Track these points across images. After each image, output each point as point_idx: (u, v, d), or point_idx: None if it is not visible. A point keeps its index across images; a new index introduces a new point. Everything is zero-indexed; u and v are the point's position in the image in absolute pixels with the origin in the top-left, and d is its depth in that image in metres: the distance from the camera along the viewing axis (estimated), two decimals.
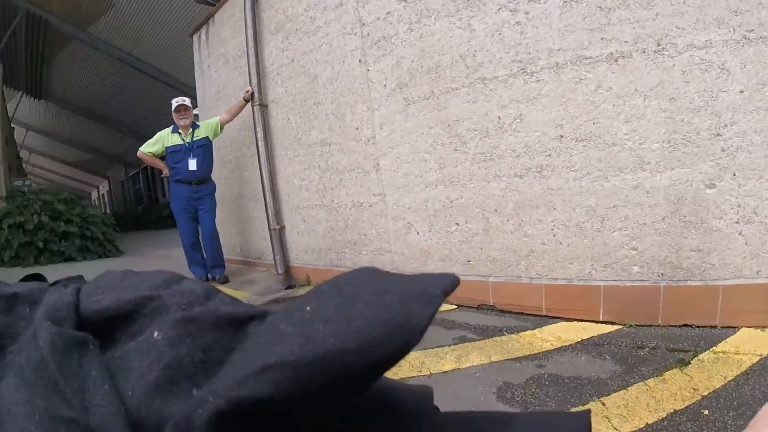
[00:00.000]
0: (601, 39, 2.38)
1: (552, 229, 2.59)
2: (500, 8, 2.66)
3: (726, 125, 2.17)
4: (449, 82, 2.87)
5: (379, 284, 0.31)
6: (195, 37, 5.60)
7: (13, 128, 14.71)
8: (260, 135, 4.18)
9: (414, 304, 0.29)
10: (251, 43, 4.20)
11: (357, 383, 0.28)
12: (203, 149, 4.42)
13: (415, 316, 0.28)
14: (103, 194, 29.82)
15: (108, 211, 25.20)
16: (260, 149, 4.18)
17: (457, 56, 2.83)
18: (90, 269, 6.57)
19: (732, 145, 2.16)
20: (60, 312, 0.36)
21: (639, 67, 2.29)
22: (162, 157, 4.48)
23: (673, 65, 2.24)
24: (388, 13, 3.14)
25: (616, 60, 2.34)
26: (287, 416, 0.28)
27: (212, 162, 4.55)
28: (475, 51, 2.75)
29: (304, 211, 4.10)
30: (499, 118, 2.69)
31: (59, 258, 7.32)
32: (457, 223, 2.97)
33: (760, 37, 2.13)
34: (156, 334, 0.33)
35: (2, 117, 9.97)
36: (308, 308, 0.29)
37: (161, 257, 7.16)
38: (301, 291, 4.14)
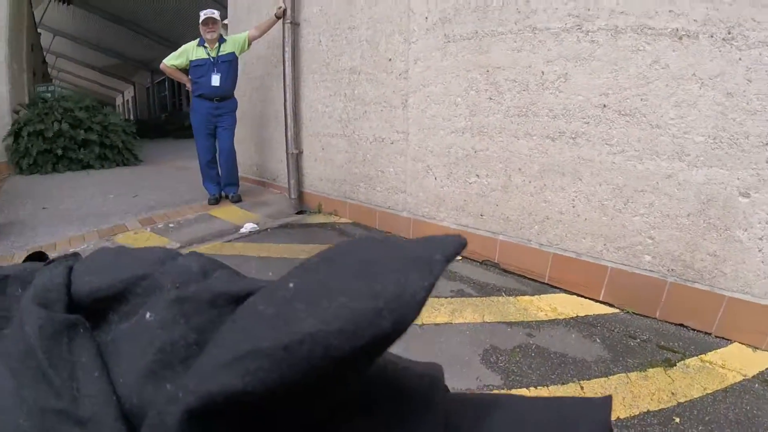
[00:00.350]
0: (669, 11, 2.17)
1: (573, 200, 2.47)
2: None
3: None
4: (496, 24, 2.65)
5: (373, 252, 0.28)
6: None
7: (40, 34, 14.39)
8: (288, 55, 3.99)
9: (410, 272, 0.25)
10: None
11: (346, 370, 0.24)
12: (228, 65, 4.25)
13: (411, 286, 0.24)
14: (128, 100, 29.53)
15: (132, 117, 25.15)
16: (286, 70, 4.00)
17: None
18: (108, 177, 6.61)
19: None
20: (50, 294, 0.35)
21: (702, 52, 2.10)
22: (186, 71, 4.32)
23: (740, 59, 2.05)
24: None
25: (680, 38, 2.14)
26: (273, 410, 0.25)
27: (236, 79, 4.39)
28: None
29: (324, 139, 3.98)
30: (542, 73, 2.50)
31: (77, 165, 7.29)
32: (478, 175, 2.85)
33: None
34: (148, 315, 0.31)
35: (29, 23, 9.64)
36: (291, 284, 0.26)
37: (179, 168, 7.13)
38: (311, 218, 4.11)
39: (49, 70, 18.79)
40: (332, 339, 0.23)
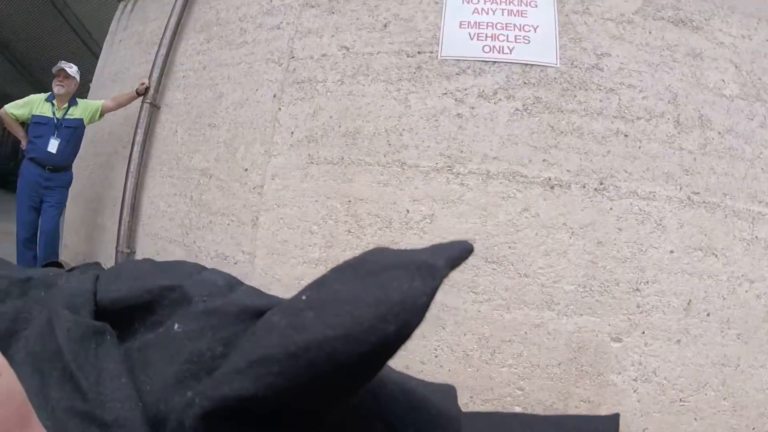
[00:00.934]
0: (543, 161, 2.18)
1: (435, 350, 2.24)
2: (446, 93, 2.36)
3: (647, 282, 2.09)
4: (364, 154, 2.46)
5: (381, 261, 0.31)
6: (121, 5, 4.86)
7: None
8: (139, 139, 3.47)
9: (413, 279, 0.29)
10: (169, 33, 3.56)
11: (354, 374, 0.27)
12: (72, 132, 3.64)
13: (413, 292, 0.28)
14: None
15: None
16: (134, 155, 3.46)
17: (382, 129, 2.44)
18: None
19: (648, 303, 2.08)
20: (78, 299, 0.40)
21: (574, 201, 2.14)
22: (27, 125, 3.68)
23: (611, 209, 2.12)
24: (323, 55, 2.71)
25: (552, 187, 2.16)
26: (284, 414, 0.27)
27: (77, 150, 3.76)
28: (403, 130, 2.39)
29: (161, 243, 3.40)
30: (407, 211, 2.32)
31: None
32: None
33: (704, 202, 2.10)
34: (176, 326, 0.36)
35: None
36: (304, 297, 0.32)
37: (4, 233, 5.88)
38: None
39: None
40: (337, 344, 0.25)
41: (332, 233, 2.49)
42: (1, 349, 0.33)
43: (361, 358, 0.26)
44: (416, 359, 2.26)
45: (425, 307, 0.28)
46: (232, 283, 0.40)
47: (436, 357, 2.23)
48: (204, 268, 0.48)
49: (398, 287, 0.28)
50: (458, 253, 0.31)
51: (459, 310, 2.20)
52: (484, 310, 2.17)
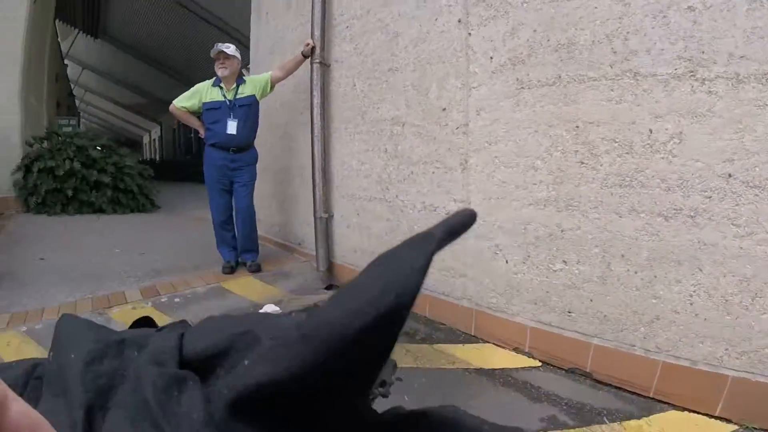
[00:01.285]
0: None
1: (691, 296, 1.95)
2: None
3: None
4: (586, 68, 2.14)
5: (395, 247, 0.31)
6: None
7: (66, 65, 14.75)
8: (317, 101, 3.50)
9: (412, 249, 0.29)
10: None
11: (364, 347, 0.28)
12: (247, 110, 3.71)
13: (409, 259, 0.28)
14: (154, 139, 29.87)
15: (158, 157, 25.37)
16: (314, 118, 3.51)
17: (601, 35, 2.09)
18: (118, 224, 6.30)
19: None
20: (163, 355, 0.42)
21: None
22: (199, 115, 3.82)
23: None
24: None
25: None
26: (310, 397, 0.29)
27: (256, 126, 3.86)
28: (628, 32, 2.02)
29: (359, 203, 3.45)
30: (650, 131, 1.99)
31: (88, 208, 6.95)
32: (565, 261, 2.27)
33: None
34: (246, 362, 0.36)
35: (51, 53, 9.57)
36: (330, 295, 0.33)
37: (197, 220, 6.68)
38: None
39: (77, 103, 19.13)
40: (345, 320, 0.27)
41: (560, 167, 2.24)
42: (103, 401, 0.39)
43: (367, 330, 0.27)
44: (668, 308, 2.00)
45: (422, 270, 0.27)
46: (299, 322, 0.34)
47: (691, 305, 1.95)
48: (276, 315, 0.47)
49: (397, 261, 0.29)
50: (457, 219, 0.30)
51: (718, 247, 1.88)
52: (746, 246, 1.83)
